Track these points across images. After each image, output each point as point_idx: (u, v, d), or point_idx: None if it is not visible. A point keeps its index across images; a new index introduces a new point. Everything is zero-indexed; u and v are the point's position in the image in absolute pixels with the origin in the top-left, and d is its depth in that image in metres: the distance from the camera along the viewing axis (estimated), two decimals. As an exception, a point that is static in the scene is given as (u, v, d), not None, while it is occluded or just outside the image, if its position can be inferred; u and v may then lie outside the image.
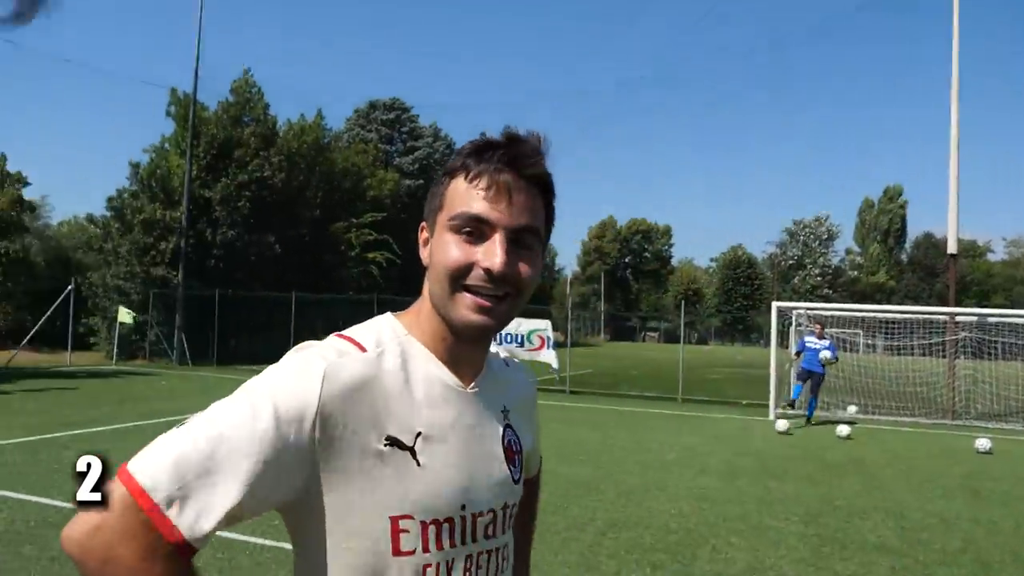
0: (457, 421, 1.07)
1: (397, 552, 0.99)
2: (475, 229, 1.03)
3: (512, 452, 1.16)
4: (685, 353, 18.83)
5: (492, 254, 1.01)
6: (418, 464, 1.00)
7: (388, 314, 1.15)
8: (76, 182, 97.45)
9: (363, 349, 1.03)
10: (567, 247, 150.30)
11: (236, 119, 27.54)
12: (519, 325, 18.55)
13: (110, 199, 26.41)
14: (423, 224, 1.13)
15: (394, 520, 0.98)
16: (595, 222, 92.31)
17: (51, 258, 31.48)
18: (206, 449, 0.89)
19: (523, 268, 1.04)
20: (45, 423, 10.43)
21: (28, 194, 26.93)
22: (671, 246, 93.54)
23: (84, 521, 0.86)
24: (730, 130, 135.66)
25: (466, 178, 1.05)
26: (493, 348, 1.23)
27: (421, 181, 38.99)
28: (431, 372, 1.07)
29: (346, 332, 1.07)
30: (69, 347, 22.51)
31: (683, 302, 26.61)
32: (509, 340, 18.50)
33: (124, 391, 15.35)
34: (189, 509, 0.88)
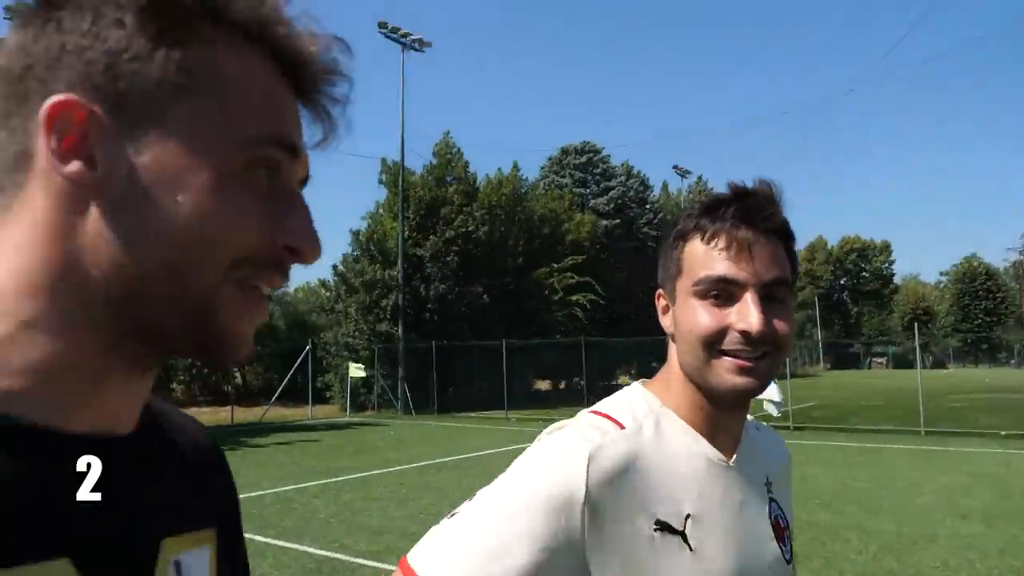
0: (724, 499, 1.00)
1: None
2: (722, 291, 0.97)
3: (780, 528, 1.07)
4: (923, 379, 17.08)
5: (746, 315, 0.95)
6: (690, 549, 0.94)
7: (637, 385, 1.10)
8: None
9: (621, 426, 0.98)
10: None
11: (440, 179, 29.33)
12: None
13: (335, 265, 29.02)
14: (659, 292, 1.09)
15: None
16: (802, 245, 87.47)
17: (291, 322, 35.00)
18: (482, 545, 0.88)
19: (779, 324, 0.97)
20: (294, 474, 11.45)
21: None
22: (891, 263, 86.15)
23: None
24: (950, 136, 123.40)
25: (703, 239, 1.00)
26: None
27: (618, 220, 39.08)
28: (692, 447, 1.01)
29: (600, 408, 1.04)
30: (310, 402, 24.76)
31: (914, 323, 24.24)
32: None
33: (358, 442, 16.54)
34: None
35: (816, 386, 36.52)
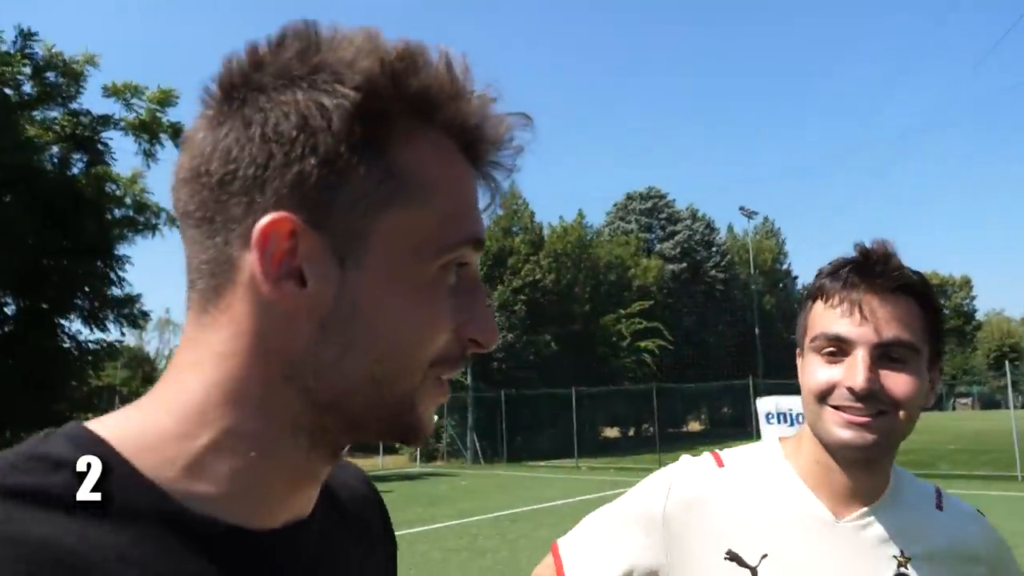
0: (819, 553, 1.01)
1: None
2: (837, 348, 1.02)
3: None
4: (1017, 419, 16.22)
5: (853, 371, 0.98)
6: None
7: (775, 438, 1.16)
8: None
9: (721, 464, 1.13)
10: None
11: (506, 230, 29.76)
12: (785, 403, 17.21)
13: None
14: (798, 350, 1.14)
15: None
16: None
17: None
18: (599, 541, 1.19)
19: (894, 383, 0.98)
20: (372, 525, 11.57)
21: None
22: (973, 299, 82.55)
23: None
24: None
25: (823, 299, 1.06)
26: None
27: (684, 264, 38.81)
28: (796, 499, 1.05)
29: (723, 450, 1.17)
30: (381, 452, 25.02)
31: (1003, 360, 23.15)
32: (776, 419, 17.23)
33: (431, 492, 16.63)
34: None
35: (899, 431, 35.00)
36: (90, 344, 18.99)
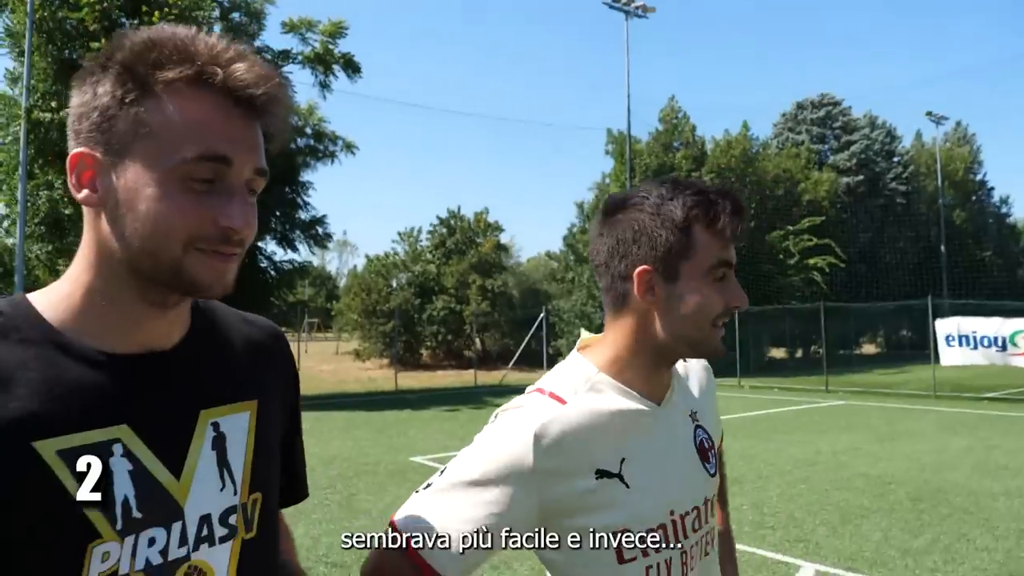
0: (653, 440, 1.20)
1: (622, 561, 1.14)
2: (724, 273, 1.20)
3: (705, 449, 1.29)
4: None
5: (741, 293, 1.21)
6: (627, 486, 1.15)
7: (576, 354, 1.28)
8: (539, 223, 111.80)
9: (563, 402, 1.16)
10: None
11: (667, 145, 29.14)
12: (1000, 326, 16.03)
13: (564, 237, 30.00)
14: (644, 268, 1.21)
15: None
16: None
17: (524, 290, 36.72)
18: (460, 512, 1.13)
19: None
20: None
21: (503, 238, 32.07)
22: None
23: None
24: None
25: (713, 226, 1.20)
26: None
27: (861, 177, 36.25)
28: (624, 403, 1.19)
29: (544, 386, 1.20)
30: (544, 366, 25.98)
31: None
32: (987, 343, 16.11)
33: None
34: None
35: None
36: (284, 264, 20.92)
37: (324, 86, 20.57)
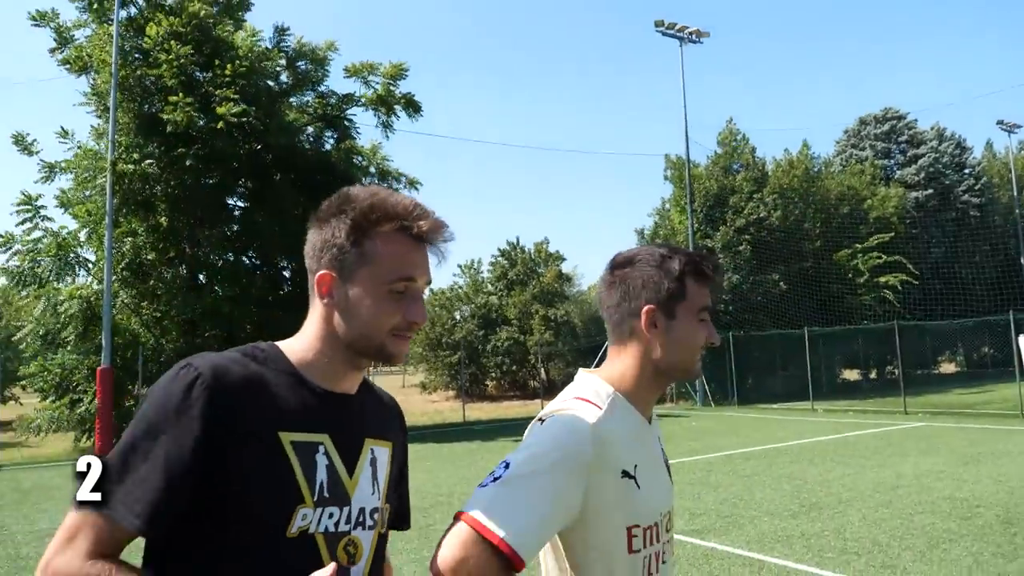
0: (650, 449, 1.49)
1: (631, 552, 1.37)
2: (705, 317, 1.55)
3: (666, 462, 1.58)
4: None
5: (714, 331, 1.54)
6: (638, 487, 1.40)
7: (589, 375, 1.54)
8: (599, 251, 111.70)
9: (600, 408, 1.42)
10: None
11: (726, 168, 28.92)
12: None
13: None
14: (650, 308, 1.54)
15: (628, 529, 1.38)
16: None
17: (586, 319, 36.64)
18: (531, 498, 1.36)
19: None
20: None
21: (565, 267, 32.13)
22: None
23: None
24: None
25: (701, 279, 1.57)
26: None
27: (930, 191, 35.19)
28: (634, 419, 1.48)
29: (581, 394, 1.45)
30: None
31: None
32: None
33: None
34: None
35: None
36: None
37: (387, 126, 21.22)
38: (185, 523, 1.10)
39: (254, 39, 19.64)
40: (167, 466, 1.07)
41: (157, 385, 1.15)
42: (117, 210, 17.47)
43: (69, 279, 18.61)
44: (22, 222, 18.46)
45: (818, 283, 27.94)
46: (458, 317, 34.76)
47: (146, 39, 17.87)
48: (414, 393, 34.64)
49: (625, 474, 1.37)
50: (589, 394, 1.44)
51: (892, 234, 29.61)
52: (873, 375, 32.14)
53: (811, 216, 29.02)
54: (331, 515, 1.18)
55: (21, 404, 27.51)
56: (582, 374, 1.54)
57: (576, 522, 1.33)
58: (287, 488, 1.14)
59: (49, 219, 18.76)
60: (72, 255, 18.65)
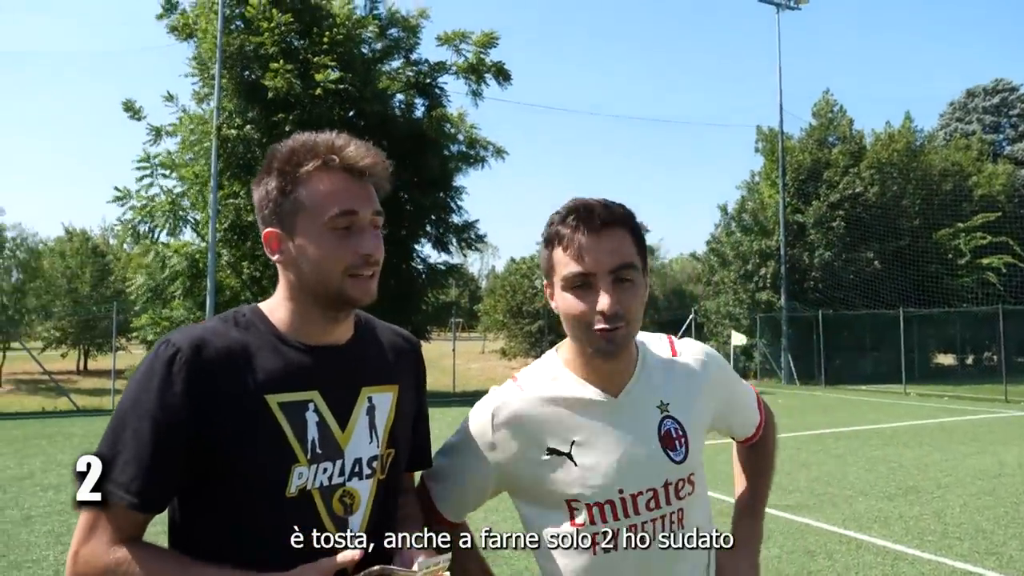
0: (609, 426, 1.38)
1: (573, 523, 1.36)
2: (583, 281, 1.32)
3: (672, 438, 1.41)
4: None
5: (602, 299, 1.29)
6: (575, 464, 1.36)
7: (553, 351, 1.49)
8: (683, 223, 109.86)
9: (521, 388, 1.42)
10: None
11: (821, 141, 27.92)
12: None
13: (708, 241, 29.43)
14: (545, 283, 1.46)
15: (567, 501, 1.36)
16: None
17: (669, 291, 36.36)
18: (448, 469, 1.49)
19: (628, 300, 1.32)
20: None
21: (648, 239, 31.95)
22: None
23: None
24: None
25: (560, 245, 1.36)
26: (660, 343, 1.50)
27: (1043, 168, 33.12)
28: (579, 392, 1.40)
29: (518, 374, 1.47)
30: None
31: None
32: None
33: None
34: None
35: None
36: (439, 266, 21.83)
37: (476, 94, 21.33)
38: (189, 497, 1.17)
39: (350, 6, 20.00)
40: (155, 443, 1.11)
41: (139, 365, 1.18)
42: (221, 173, 18.23)
43: (180, 235, 19.67)
44: (140, 179, 19.55)
45: (915, 263, 26.80)
46: (539, 286, 34.90)
47: (248, 7, 18.44)
48: (494, 358, 35.08)
49: (551, 451, 1.38)
50: (527, 372, 1.47)
51: (999, 213, 28.04)
52: (969, 360, 30.76)
53: (911, 192, 27.78)
54: (325, 470, 1.21)
55: (132, 354, 29.20)
56: (553, 349, 1.51)
57: (512, 494, 1.46)
58: (280, 450, 1.16)
59: (165, 175, 19.83)
60: (181, 212, 19.66)
